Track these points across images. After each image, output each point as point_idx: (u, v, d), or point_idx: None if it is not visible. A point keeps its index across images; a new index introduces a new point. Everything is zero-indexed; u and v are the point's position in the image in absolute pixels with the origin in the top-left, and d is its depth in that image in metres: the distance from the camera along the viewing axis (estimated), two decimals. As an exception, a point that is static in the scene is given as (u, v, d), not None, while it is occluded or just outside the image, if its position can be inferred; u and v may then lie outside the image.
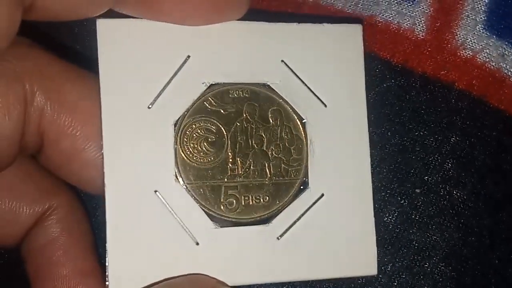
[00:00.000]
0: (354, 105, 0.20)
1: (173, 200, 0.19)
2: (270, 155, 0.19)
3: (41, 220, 0.20)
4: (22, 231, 0.20)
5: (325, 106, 0.20)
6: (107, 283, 0.18)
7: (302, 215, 0.19)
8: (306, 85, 0.20)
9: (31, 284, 0.20)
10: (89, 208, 0.22)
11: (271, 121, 0.19)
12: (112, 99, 0.18)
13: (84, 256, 0.20)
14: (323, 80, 0.20)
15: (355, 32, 0.20)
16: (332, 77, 0.20)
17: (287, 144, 0.19)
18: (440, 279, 0.23)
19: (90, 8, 0.18)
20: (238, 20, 0.19)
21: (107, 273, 0.18)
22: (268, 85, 0.19)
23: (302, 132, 0.20)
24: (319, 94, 0.20)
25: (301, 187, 0.19)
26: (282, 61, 0.19)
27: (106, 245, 0.18)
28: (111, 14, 0.19)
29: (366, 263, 0.19)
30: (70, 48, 0.22)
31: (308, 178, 0.19)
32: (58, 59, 0.19)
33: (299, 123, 0.20)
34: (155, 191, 0.18)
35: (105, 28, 0.18)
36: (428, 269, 0.23)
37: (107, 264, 0.18)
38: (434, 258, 0.23)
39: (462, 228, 0.23)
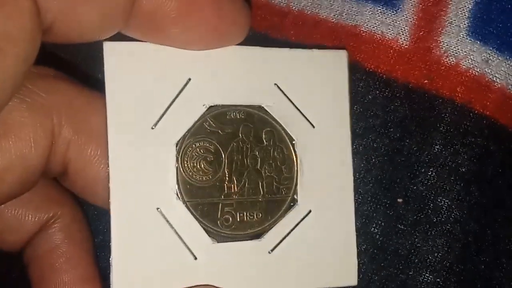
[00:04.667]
0: (339, 126, 0.21)
1: (173, 216, 0.19)
2: (263, 174, 0.20)
3: (45, 227, 0.21)
4: (25, 237, 0.21)
5: (313, 127, 0.21)
6: None
7: (291, 230, 0.20)
8: (296, 107, 0.21)
9: None
10: (90, 216, 0.22)
11: (264, 142, 0.20)
12: (117, 120, 0.19)
13: (85, 263, 0.21)
14: (312, 103, 0.21)
15: (341, 58, 0.21)
16: (320, 100, 0.21)
17: (279, 163, 0.20)
18: (427, 287, 0.24)
19: (102, 31, 0.18)
20: (236, 44, 0.20)
21: (110, 284, 0.19)
22: (263, 107, 0.20)
23: (293, 152, 0.20)
24: (308, 116, 0.21)
25: (291, 204, 0.20)
26: (275, 84, 0.20)
27: (110, 258, 0.19)
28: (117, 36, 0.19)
29: (347, 275, 0.21)
30: (77, 70, 0.23)
31: (297, 195, 0.20)
32: (84, 89, 0.20)
33: (289, 143, 0.20)
34: (157, 208, 0.19)
35: (111, 51, 0.19)
36: (414, 277, 0.24)
37: (111, 276, 0.19)
38: (420, 266, 0.24)
39: (447, 235, 0.23)
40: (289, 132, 0.21)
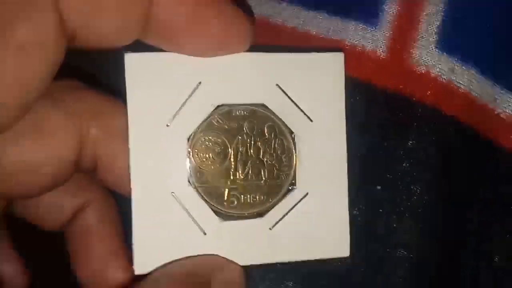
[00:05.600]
0: (335, 120, 0.21)
1: (186, 199, 0.20)
2: (265, 162, 0.21)
3: (80, 210, 0.22)
4: (64, 219, 0.22)
5: (311, 121, 0.21)
6: (133, 266, 0.20)
7: (290, 210, 0.21)
8: (296, 104, 0.21)
9: (71, 261, 0.22)
10: (117, 200, 0.23)
11: (266, 135, 0.21)
12: (137, 120, 0.20)
13: (114, 241, 0.22)
14: (310, 100, 0.21)
15: (338, 59, 0.21)
16: (318, 97, 0.21)
17: (279, 153, 0.21)
18: (401, 263, 0.25)
19: (121, 39, 0.19)
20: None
21: (132, 257, 0.20)
22: (265, 105, 0.21)
23: (292, 144, 0.21)
24: (306, 112, 0.21)
25: (290, 188, 0.21)
26: (277, 85, 0.21)
27: (132, 236, 0.20)
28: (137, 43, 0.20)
29: (340, 247, 0.21)
30: (101, 82, 0.23)
31: (295, 180, 0.21)
32: (107, 97, 0.21)
33: (289, 136, 0.21)
34: (172, 193, 0.20)
35: (131, 61, 0.20)
36: (392, 254, 0.25)
37: (132, 250, 0.20)
38: (396, 244, 0.25)
39: (419, 217, 0.25)
40: (288, 126, 0.21)
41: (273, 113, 0.21)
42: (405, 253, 0.25)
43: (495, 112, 0.25)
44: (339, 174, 0.21)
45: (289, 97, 0.21)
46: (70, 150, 0.20)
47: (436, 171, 0.25)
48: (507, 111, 0.25)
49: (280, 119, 0.21)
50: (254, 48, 0.20)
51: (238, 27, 0.20)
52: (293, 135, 0.21)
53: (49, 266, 0.24)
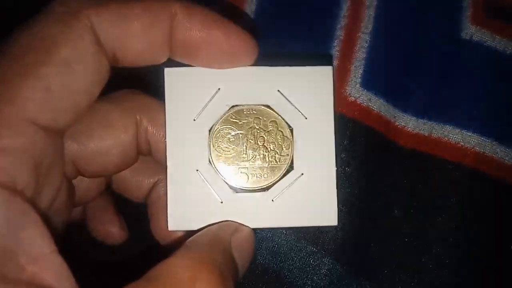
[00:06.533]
0: (326, 118, 0.21)
1: (207, 175, 0.21)
2: (268, 149, 0.21)
3: (155, 186, 0.24)
4: (145, 192, 0.24)
5: (306, 118, 0.22)
6: (167, 223, 0.20)
7: (288, 186, 0.21)
8: (293, 105, 0.21)
9: (150, 221, 0.24)
10: None
11: (270, 128, 0.21)
12: (172, 116, 0.21)
13: None
14: (305, 102, 0.21)
15: (328, 71, 0.21)
16: (312, 100, 0.21)
17: (280, 142, 0.21)
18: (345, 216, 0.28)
19: (154, 58, 0.20)
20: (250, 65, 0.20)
21: (167, 218, 0.21)
22: (269, 106, 0.21)
23: (290, 135, 0.21)
24: (302, 111, 0.21)
25: (288, 169, 0.21)
26: (278, 90, 0.21)
27: (167, 202, 0.21)
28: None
29: (330, 217, 0.21)
30: (148, 89, 0.23)
31: (293, 164, 0.21)
32: (153, 98, 0.22)
33: (288, 129, 0.21)
34: (197, 170, 0.21)
35: (169, 73, 0.21)
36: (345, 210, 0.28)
37: (167, 212, 0.21)
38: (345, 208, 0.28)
39: (351, 184, 0.29)
40: (287, 122, 0.21)
41: (276, 112, 0.21)
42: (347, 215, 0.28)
43: (395, 124, 0.30)
44: (328, 159, 0.21)
45: (288, 100, 0.21)
46: (129, 136, 0.21)
47: (360, 159, 0.29)
48: (402, 123, 0.30)
49: (281, 117, 0.21)
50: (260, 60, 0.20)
51: (244, 44, 0.20)
52: (291, 129, 0.21)
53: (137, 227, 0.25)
